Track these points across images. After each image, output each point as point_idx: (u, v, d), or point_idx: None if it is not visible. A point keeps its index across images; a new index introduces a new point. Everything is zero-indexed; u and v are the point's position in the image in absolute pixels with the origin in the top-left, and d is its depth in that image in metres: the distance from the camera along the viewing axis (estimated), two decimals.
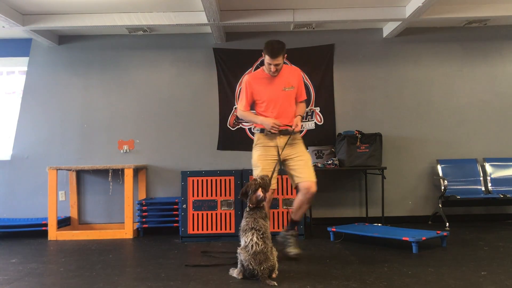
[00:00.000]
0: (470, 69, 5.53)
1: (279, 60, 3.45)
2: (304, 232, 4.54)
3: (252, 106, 3.70)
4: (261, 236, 2.92)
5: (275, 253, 2.96)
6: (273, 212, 4.51)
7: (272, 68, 3.48)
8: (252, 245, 2.88)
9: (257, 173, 3.48)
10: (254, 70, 5.46)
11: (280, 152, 3.51)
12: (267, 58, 3.46)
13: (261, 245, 2.88)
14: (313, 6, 4.81)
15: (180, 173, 4.67)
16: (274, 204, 4.56)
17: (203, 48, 5.52)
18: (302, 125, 3.76)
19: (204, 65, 5.50)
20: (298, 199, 3.54)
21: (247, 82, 3.61)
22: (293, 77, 3.64)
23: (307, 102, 5.46)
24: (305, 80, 5.46)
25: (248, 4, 4.71)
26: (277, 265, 2.97)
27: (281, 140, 3.53)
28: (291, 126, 3.51)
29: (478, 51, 5.54)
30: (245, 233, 2.97)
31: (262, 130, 3.57)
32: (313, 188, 3.44)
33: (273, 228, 4.52)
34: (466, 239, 4.27)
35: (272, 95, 3.56)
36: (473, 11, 4.84)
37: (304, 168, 3.49)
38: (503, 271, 3.04)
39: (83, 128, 5.46)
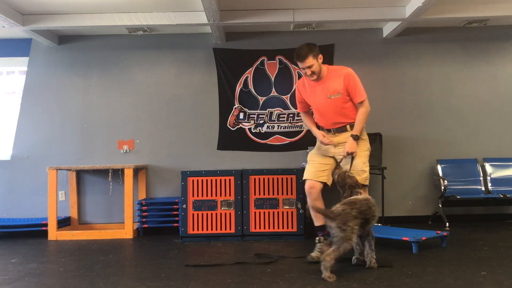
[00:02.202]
0: (470, 69, 5.53)
1: (309, 62, 3.34)
2: (304, 232, 4.55)
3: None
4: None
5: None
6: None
7: (307, 71, 3.39)
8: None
9: (307, 166, 3.57)
10: (254, 70, 5.47)
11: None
12: (300, 65, 3.43)
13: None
14: (313, 6, 4.81)
15: (180, 173, 4.67)
16: (274, 204, 4.56)
17: (203, 48, 5.52)
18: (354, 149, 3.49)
19: (204, 65, 5.50)
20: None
21: (297, 87, 3.70)
22: (339, 81, 3.45)
23: None
24: None
25: (248, 4, 4.71)
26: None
27: (337, 139, 3.53)
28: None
29: (478, 51, 5.54)
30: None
31: (321, 129, 3.64)
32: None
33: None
34: (466, 239, 4.27)
35: (318, 103, 3.54)
36: (473, 11, 4.83)
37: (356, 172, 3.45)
38: (503, 271, 3.04)
39: (83, 128, 5.45)
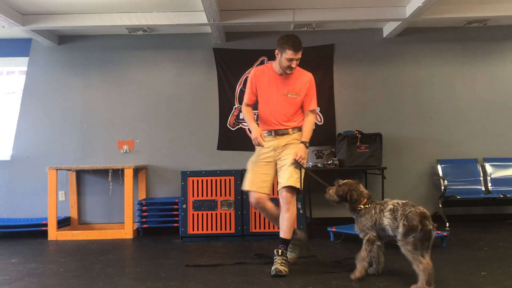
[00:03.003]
0: (470, 69, 5.53)
1: (300, 55, 3.22)
2: (304, 232, 4.54)
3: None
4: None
5: None
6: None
7: (293, 64, 3.22)
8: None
9: (246, 175, 3.35)
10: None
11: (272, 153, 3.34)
12: (289, 54, 3.17)
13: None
14: (313, 6, 4.81)
15: (180, 173, 4.67)
16: (274, 204, 4.54)
17: (203, 48, 5.52)
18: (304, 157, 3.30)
19: (204, 65, 5.50)
20: (280, 212, 3.26)
21: (253, 76, 3.40)
22: (301, 83, 3.35)
23: None
24: None
25: (248, 4, 4.71)
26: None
27: (278, 142, 3.33)
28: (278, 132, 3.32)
29: (478, 51, 5.54)
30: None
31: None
32: (286, 193, 3.19)
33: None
34: (466, 239, 4.27)
35: (272, 98, 3.34)
36: (473, 11, 4.83)
37: (285, 172, 3.23)
38: (503, 271, 3.04)
39: (83, 128, 5.45)
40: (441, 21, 5.25)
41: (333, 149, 5.19)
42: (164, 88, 5.51)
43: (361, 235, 2.97)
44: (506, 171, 5.29)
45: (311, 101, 3.39)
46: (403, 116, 5.48)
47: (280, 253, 3.16)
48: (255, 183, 3.31)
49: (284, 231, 3.23)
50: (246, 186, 3.35)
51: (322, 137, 5.39)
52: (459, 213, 5.37)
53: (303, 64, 5.52)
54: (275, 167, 3.37)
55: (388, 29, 5.38)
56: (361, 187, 3.05)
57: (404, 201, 2.88)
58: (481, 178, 5.28)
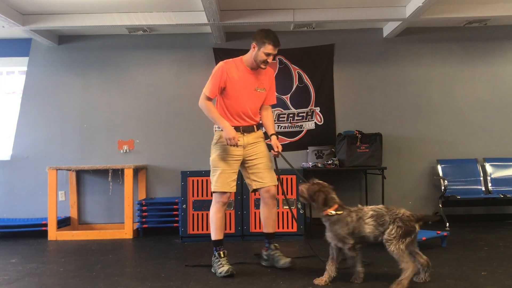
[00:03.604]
0: (470, 69, 5.53)
1: (277, 51, 3.21)
2: (304, 232, 4.54)
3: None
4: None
5: None
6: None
7: (269, 59, 3.18)
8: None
9: (215, 174, 3.20)
10: None
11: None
12: (268, 48, 3.12)
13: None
14: (313, 6, 4.81)
15: (180, 173, 4.66)
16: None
17: (203, 48, 5.52)
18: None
19: (204, 65, 5.50)
20: (266, 211, 3.32)
21: (223, 68, 3.21)
22: (267, 78, 3.37)
23: (306, 103, 5.46)
24: (305, 80, 5.46)
25: (248, 4, 4.71)
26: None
27: (246, 139, 3.27)
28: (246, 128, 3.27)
29: (478, 51, 5.54)
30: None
31: None
32: (274, 190, 3.28)
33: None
34: (466, 239, 4.27)
35: (242, 92, 3.24)
36: (473, 11, 4.83)
37: (265, 172, 3.27)
38: (503, 271, 3.04)
39: (83, 128, 5.45)
40: (441, 21, 5.25)
41: (333, 149, 5.19)
42: (164, 88, 5.51)
43: (333, 243, 2.86)
44: (506, 171, 5.29)
45: (273, 95, 3.45)
46: (403, 116, 5.48)
47: (278, 247, 3.32)
48: (227, 183, 3.21)
49: (273, 226, 3.37)
50: (219, 187, 3.19)
51: (322, 137, 5.40)
52: (459, 213, 5.37)
53: (303, 64, 5.54)
54: (239, 164, 3.32)
55: (388, 29, 5.38)
56: (333, 193, 2.91)
57: (382, 206, 2.84)
58: (481, 178, 5.28)
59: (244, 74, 3.26)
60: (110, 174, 5.12)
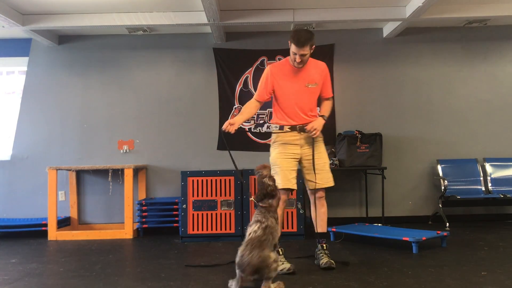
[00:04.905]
0: (470, 69, 5.53)
1: (306, 50, 3.20)
2: (304, 232, 4.54)
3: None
4: (264, 227, 2.69)
5: (274, 263, 2.59)
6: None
7: (297, 58, 3.22)
8: (250, 233, 2.67)
9: (276, 172, 3.26)
10: (254, 70, 5.47)
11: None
12: (293, 48, 3.21)
13: (260, 233, 2.65)
14: (313, 6, 4.81)
15: (180, 173, 4.67)
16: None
17: (203, 48, 5.52)
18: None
19: (204, 65, 5.50)
20: (319, 211, 3.37)
21: (269, 72, 3.37)
22: (318, 72, 3.41)
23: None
24: None
25: (248, 4, 4.71)
26: (272, 275, 2.59)
27: (303, 139, 3.35)
28: (304, 129, 3.32)
29: (478, 51, 5.54)
30: (250, 226, 2.77)
31: (281, 127, 3.37)
32: (322, 192, 3.37)
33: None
34: (466, 239, 4.27)
35: (293, 91, 3.34)
36: (473, 11, 4.84)
37: (321, 173, 3.33)
38: (503, 271, 3.04)
39: (83, 128, 5.45)
40: (441, 21, 5.25)
41: (333, 149, 5.19)
42: (164, 88, 5.51)
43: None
44: (506, 171, 5.29)
45: (329, 88, 3.50)
46: (403, 116, 5.48)
47: (325, 247, 3.33)
48: (289, 180, 3.30)
49: (322, 226, 3.39)
50: (280, 184, 3.22)
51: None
52: (459, 213, 5.37)
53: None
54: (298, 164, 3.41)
55: (388, 29, 5.38)
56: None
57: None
58: (481, 178, 5.28)
59: (291, 73, 3.37)
60: (110, 174, 5.12)
